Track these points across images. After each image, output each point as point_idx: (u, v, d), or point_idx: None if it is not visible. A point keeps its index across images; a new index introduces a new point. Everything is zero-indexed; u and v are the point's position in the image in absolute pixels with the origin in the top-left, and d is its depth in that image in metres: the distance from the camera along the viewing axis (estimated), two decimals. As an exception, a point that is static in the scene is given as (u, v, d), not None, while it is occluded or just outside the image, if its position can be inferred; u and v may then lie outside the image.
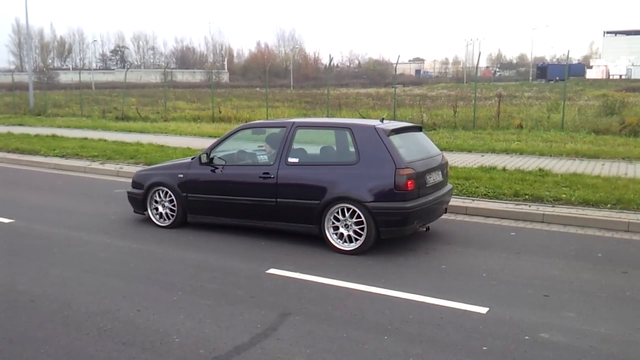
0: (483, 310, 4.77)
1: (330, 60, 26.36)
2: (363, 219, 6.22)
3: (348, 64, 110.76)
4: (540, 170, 10.47)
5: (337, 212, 6.39)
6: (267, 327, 4.45)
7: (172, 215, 7.48)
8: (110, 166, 12.36)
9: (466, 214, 8.24)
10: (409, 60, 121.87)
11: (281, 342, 4.19)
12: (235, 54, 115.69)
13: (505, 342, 4.20)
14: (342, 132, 6.96)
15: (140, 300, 5.03)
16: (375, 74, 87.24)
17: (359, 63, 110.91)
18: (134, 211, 7.96)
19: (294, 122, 7.09)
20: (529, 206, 8.24)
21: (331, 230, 6.45)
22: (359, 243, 6.30)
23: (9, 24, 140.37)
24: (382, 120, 7.15)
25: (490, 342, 4.19)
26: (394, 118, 19.54)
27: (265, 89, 30.00)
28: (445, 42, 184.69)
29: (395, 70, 25.31)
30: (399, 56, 24.06)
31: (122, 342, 4.18)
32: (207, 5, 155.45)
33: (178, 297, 5.10)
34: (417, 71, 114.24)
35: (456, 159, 12.10)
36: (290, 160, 6.77)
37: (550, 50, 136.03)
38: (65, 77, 67.27)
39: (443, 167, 7.13)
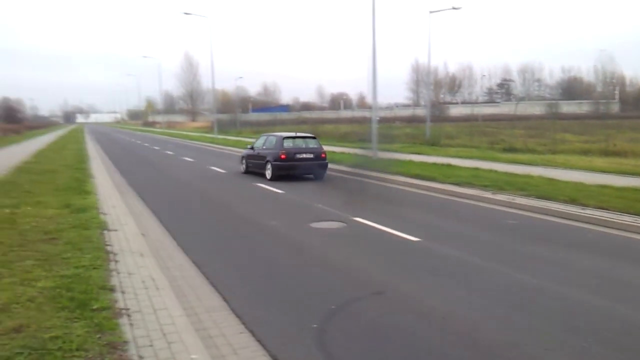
0: None
1: None
2: (270, 168, 17.02)
3: None
4: None
5: (267, 165, 17.31)
6: None
7: (245, 169, 19.25)
8: (501, 197, 12.44)
9: None
10: None
11: None
12: (628, 82, 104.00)
13: None
14: (278, 138, 17.72)
15: (546, 339, 4.84)
16: None
17: None
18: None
19: (282, 136, 17.78)
20: None
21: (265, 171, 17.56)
22: (268, 177, 17.24)
23: (409, 63, 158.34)
24: (295, 133, 18.60)
25: None
26: None
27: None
28: None
29: None
30: None
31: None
32: (597, 34, 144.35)
33: (586, 344, 4.72)
34: None
35: None
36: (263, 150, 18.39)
37: None
38: (454, 111, 71.98)
39: (317, 151, 17.27)
